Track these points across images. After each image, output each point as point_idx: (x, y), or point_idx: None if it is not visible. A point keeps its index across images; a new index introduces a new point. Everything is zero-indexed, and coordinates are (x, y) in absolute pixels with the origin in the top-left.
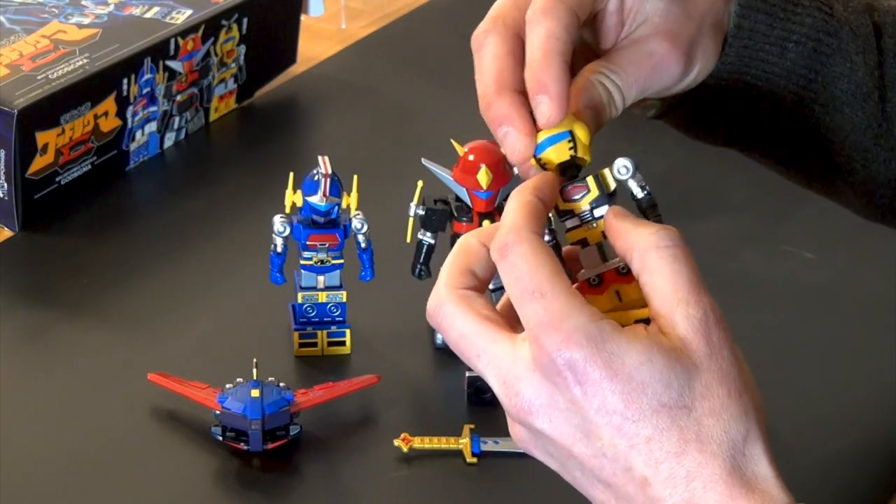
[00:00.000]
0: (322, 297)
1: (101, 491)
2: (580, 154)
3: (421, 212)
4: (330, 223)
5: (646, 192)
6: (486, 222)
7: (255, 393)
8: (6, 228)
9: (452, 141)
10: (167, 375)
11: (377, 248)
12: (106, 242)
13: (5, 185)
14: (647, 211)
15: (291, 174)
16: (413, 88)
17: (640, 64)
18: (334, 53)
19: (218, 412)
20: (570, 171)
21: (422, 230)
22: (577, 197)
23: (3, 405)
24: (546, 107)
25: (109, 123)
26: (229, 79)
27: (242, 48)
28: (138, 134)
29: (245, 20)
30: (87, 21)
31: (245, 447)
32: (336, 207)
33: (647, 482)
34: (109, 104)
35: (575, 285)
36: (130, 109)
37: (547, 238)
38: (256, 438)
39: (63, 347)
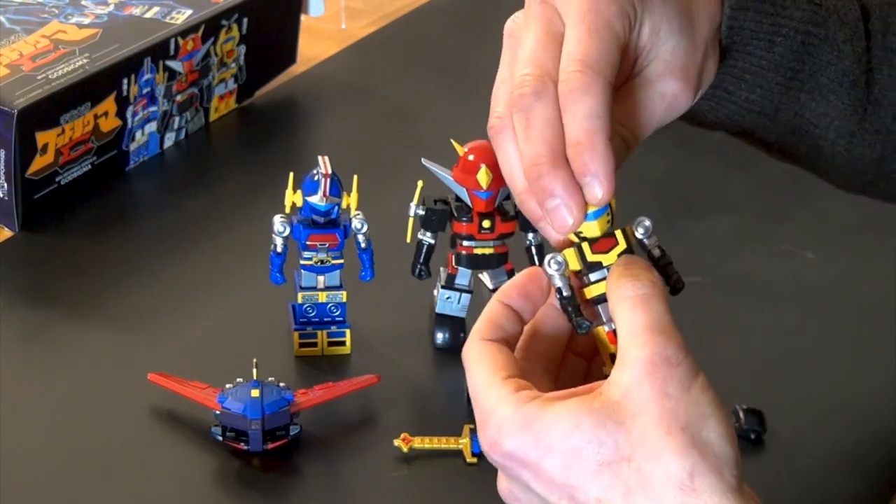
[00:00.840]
0: (322, 297)
1: (101, 491)
2: (611, 221)
3: (421, 212)
4: (330, 223)
5: (661, 251)
6: (485, 222)
7: (255, 393)
8: (6, 228)
9: (452, 141)
10: (167, 375)
11: (377, 248)
12: (106, 242)
13: (5, 185)
14: (664, 268)
15: (291, 174)
16: (413, 88)
17: (654, 108)
18: (334, 53)
19: (218, 412)
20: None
21: (422, 230)
22: (607, 250)
23: (3, 405)
24: (598, 189)
25: (109, 123)
26: (229, 79)
27: (242, 48)
28: (138, 134)
29: (245, 20)
30: (87, 21)
31: (245, 447)
32: (336, 207)
33: None
34: (109, 104)
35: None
36: (130, 109)
37: (565, 291)
38: (256, 438)
39: (63, 347)
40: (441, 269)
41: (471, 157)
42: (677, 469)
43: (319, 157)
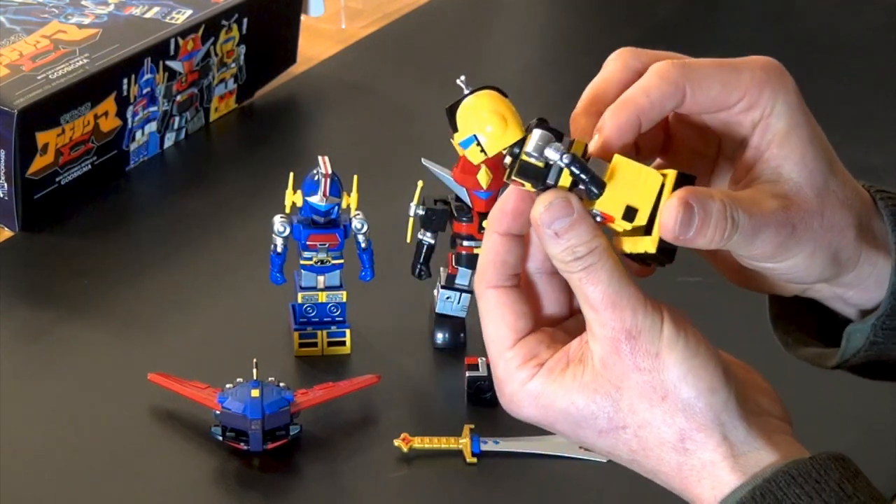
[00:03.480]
0: (322, 297)
1: (101, 491)
2: (510, 137)
3: (421, 212)
4: (330, 223)
5: (574, 161)
6: (485, 222)
7: (255, 393)
8: (6, 228)
9: (452, 141)
10: (167, 375)
11: (377, 248)
12: (106, 243)
13: (5, 185)
14: (581, 178)
15: (291, 174)
16: (413, 88)
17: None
18: (334, 53)
19: (218, 412)
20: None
21: (422, 230)
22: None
23: (3, 405)
24: (594, 142)
25: (109, 123)
26: (229, 79)
27: (242, 48)
28: (138, 134)
29: (245, 20)
30: (87, 21)
31: (245, 447)
32: (336, 207)
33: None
34: (109, 104)
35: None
36: (130, 109)
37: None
38: (256, 438)
39: (63, 347)
40: (441, 269)
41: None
42: (668, 435)
43: (319, 157)
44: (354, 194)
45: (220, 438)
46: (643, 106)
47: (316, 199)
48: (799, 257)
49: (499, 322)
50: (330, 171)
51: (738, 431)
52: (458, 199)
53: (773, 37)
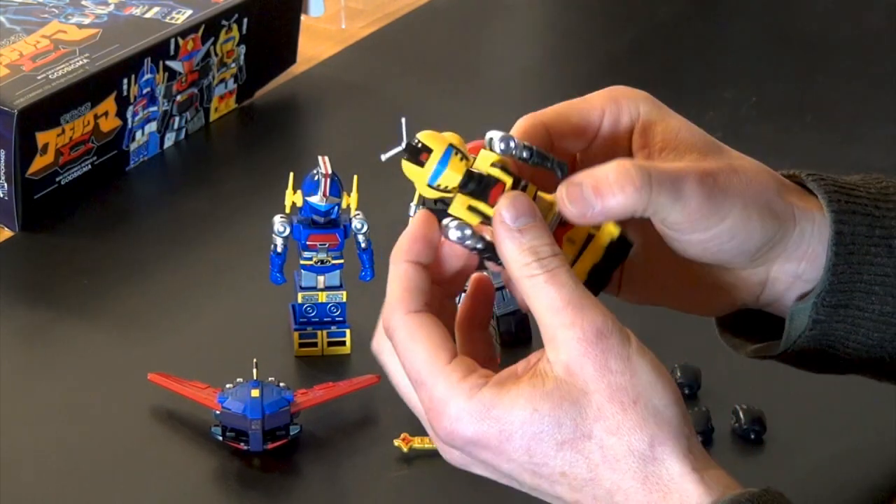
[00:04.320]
0: (322, 297)
1: (101, 491)
2: (470, 160)
3: None
4: (330, 223)
5: (530, 151)
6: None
7: (255, 393)
8: (6, 228)
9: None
10: (167, 375)
11: (377, 248)
12: (106, 242)
13: (5, 185)
14: (542, 164)
15: (291, 174)
16: (413, 88)
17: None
18: (334, 53)
19: (218, 412)
20: (471, 184)
21: None
22: (502, 193)
23: (3, 405)
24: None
25: (109, 123)
26: (229, 79)
27: (242, 48)
28: (138, 134)
29: (245, 20)
30: (87, 21)
31: (245, 447)
32: (336, 207)
33: (579, 503)
34: (109, 104)
35: None
36: (130, 109)
37: (479, 245)
38: (256, 438)
39: (63, 347)
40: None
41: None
42: (638, 442)
43: (319, 157)
44: (354, 194)
45: (220, 438)
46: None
47: (316, 199)
48: (733, 213)
49: (427, 343)
50: (330, 171)
51: (697, 447)
52: None
53: (773, 37)
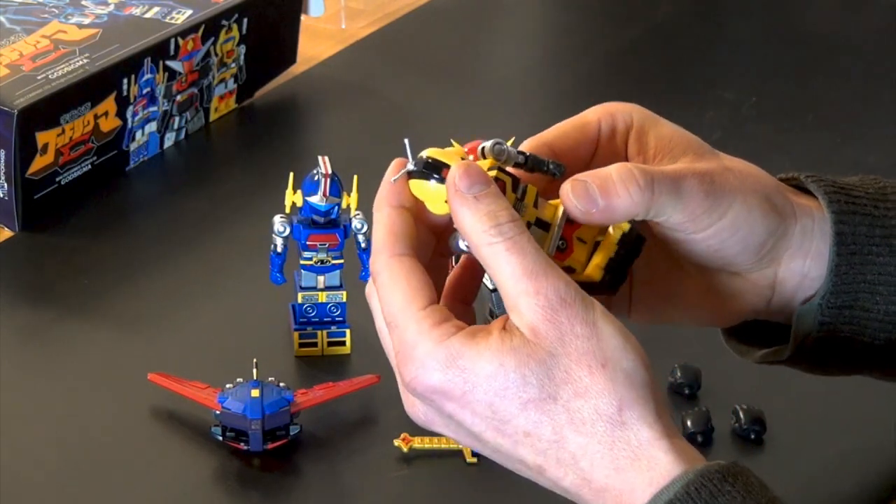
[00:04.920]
0: (322, 297)
1: (101, 491)
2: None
3: None
4: (330, 223)
5: (524, 156)
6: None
7: (255, 393)
8: (6, 228)
9: (452, 141)
10: (167, 375)
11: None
12: (106, 242)
13: (5, 185)
14: (537, 167)
15: (291, 174)
16: (413, 88)
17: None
18: (334, 53)
19: (218, 412)
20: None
21: None
22: (504, 194)
23: (3, 405)
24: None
25: (109, 123)
26: (229, 79)
27: (242, 48)
28: (138, 134)
29: (245, 20)
30: (87, 21)
31: (245, 447)
32: (336, 207)
33: (541, 468)
34: (109, 104)
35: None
36: (130, 109)
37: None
38: (256, 438)
39: (63, 347)
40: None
41: (471, 158)
42: (606, 405)
43: (319, 157)
44: (354, 194)
45: (220, 438)
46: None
47: (316, 199)
48: (734, 207)
49: (406, 287)
50: (330, 171)
51: (665, 413)
52: None
53: (774, 37)
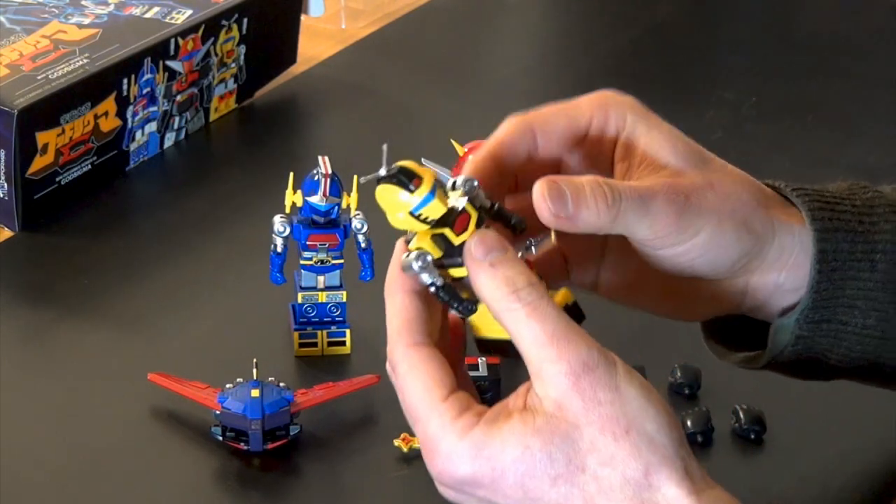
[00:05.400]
0: (322, 297)
1: (101, 491)
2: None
3: None
4: (330, 223)
5: (492, 201)
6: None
7: (255, 393)
8: (6, 228)
9: (452, 141)
10: (167, 375)
11: (377, 248)
12: (106, 242)
13: (5, 185)
14: (503, 214)
15: (291, 174)
16: (413, 88)
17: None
18: (334, 53)
19: (218, 412)
20: (454, 215)
21: None
22: (466, 227)
23: (3, 405)
24: None
25: (109, 123)
26: (229, 79)
27: (242, 48)
28: (138, 134)
29: (245, 20)
30: (87, 21)
31: (245, 447)
32: (336, 207)
33: None
34: (109, 104)
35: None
36: (130, 109)
37: (437, 282)
38: (256, 438)
39: (63, 347)
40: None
41: (471, 157)
42: (633, 471)
43: (319, 157)
44: (354, 194)
45: (220, 438)
46: (495, 150)
47: (316, 199)
48: (706, 229)
49: (426, 378)
50: (330, 171)
51: (695, 469)
52: None
53: (774, 37)
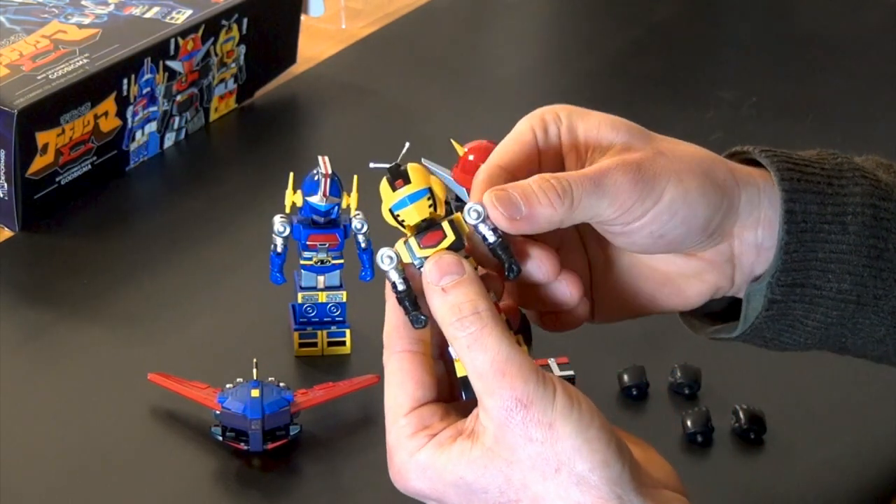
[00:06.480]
0: (322, 297)
1: (101, 491)
2: (439, 211)
3: None
4: (330, 223)
5: (497, 235)
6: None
7: (255, 393)
8: (6, 228)
9: (452, 141)
10: (167, 375)
11: (377, 248)
12: (106, 242)
13: (5, 185)
14: (498, 253)
15: (291, 174)
16: (413, 88)
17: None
18: (334, 53)
19: (218, 412)
20: (432, 228)
21: None
22: (433, 244)
23: (3, 405)
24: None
25: (109, 123)
26: (229, 79)
27: (242, 48)
28: (138, 134)
29: (245, 20)
30: (87, 21)
31: (245, 447)
32: (336, 207)
33: None
34: (109, 104)
35: None
36: (130, 109)
37: (400, 286)
38: (256, 438)
39: (63, 347)
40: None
41: (471, 157)
42: None
43: (319, 157)
44: (354, 194)
45: (220, 438)
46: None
47: (316, 199)
48: (669, 189)
49: (397, 389)
50: (330, 171)
51: (638, 499)
52: (457, 198)
53: (774, 36)
